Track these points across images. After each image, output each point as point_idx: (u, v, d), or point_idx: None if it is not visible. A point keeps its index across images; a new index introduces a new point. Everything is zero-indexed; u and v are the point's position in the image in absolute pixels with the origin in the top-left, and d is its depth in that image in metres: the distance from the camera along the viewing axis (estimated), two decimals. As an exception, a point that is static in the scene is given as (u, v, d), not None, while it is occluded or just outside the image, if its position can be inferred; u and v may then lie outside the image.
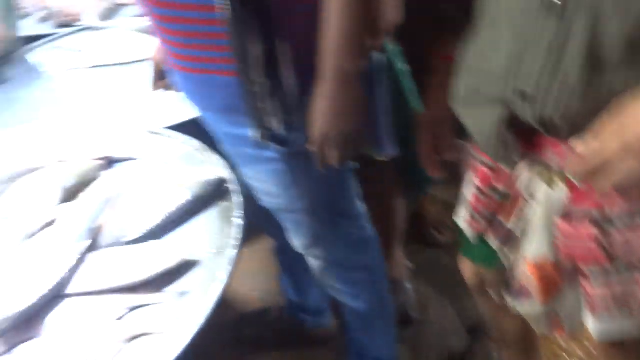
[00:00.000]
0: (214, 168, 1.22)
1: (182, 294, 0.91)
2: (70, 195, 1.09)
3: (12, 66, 1.92)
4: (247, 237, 1.04)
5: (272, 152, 0.89)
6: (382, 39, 0.87)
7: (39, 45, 2.04)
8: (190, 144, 1.32)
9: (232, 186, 1.14)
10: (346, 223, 1.08)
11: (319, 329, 1.49)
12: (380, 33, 0.84)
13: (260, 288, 1.74)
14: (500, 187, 0.91)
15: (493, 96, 0.78)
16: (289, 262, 1.36)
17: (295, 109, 0.80)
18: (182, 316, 0.87)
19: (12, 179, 1.08)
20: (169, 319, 0.87)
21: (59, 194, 1.05)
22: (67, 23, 2.14)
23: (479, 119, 0.82)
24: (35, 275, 0.84)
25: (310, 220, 1.03)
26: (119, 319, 0.87)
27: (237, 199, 1.11)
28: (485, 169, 0.92)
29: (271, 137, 0.83)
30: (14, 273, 0.84)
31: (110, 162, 1.25)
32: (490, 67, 0.77)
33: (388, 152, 1.02)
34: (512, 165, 0.84)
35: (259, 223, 1.25)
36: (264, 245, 1.72)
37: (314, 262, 1.13)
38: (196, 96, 0.92)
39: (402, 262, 1.57)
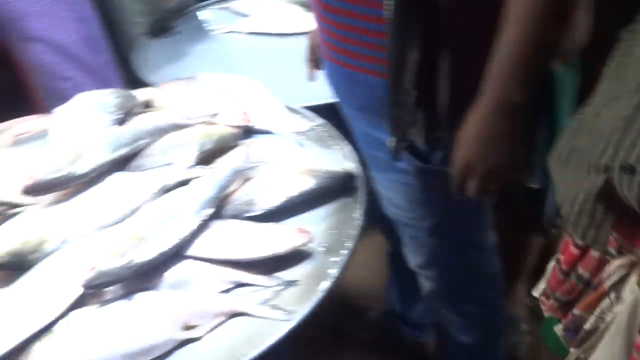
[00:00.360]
0: (344, 160, 1.20)
1: (290, 283, 0.91)
2: (206, 158, 1.13)
3: (184, 21, 2.08)
4: (363, 229, 1.01)
5: (406, 163, 0.84)
6: (558, 64, 0.76)
7: (210, 4, 2.17)
8: (326, 130, 1.31)
9: (359, 184, 1.11)
10: (472, 253, 0.99)
11: (416, 343, 1.43)
12: (559, 59, 0.73)
13: (365, 283, 1.71)
14: (584, 272, 0.76)
15: (594, 161, 0.63)
16: (400, 270, 1.30)
17: (442, 126, 0.73)
18: (285, 305, 0.87)
19: (160, 132, 1.15)
20: (271, 305, 0.87)
21: (196, 155, 1.09)
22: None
23: (573, 185, 0.68)
24: (162, 231, 0.89)
25: (433, 242, 0.97)
26: (224, 291, 0.89)
27: (360, 198, 1.08)
28: (573, 248, 0.77)
29: (409, 149, 0.78)
30: (144, 225, 0.90)
31: (248, 132, 1.29)
32: (601, 126, 0.63)
33: (538, 182, 0.91)
34: (601, 250, 0.69)
35: (378, 224, 1.21)
36: (378, 241, 1.68)
37: (425, 283, 1.07)
38: (341, 90, 0.90)
39: (523, 300, 1.44)
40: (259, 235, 0.94)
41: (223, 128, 1.20)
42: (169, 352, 0.81)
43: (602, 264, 0.73)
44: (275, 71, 1.69)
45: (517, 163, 0.75)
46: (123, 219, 0.97)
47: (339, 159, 1.21)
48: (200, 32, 2.00)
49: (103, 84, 1.81)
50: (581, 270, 0.77)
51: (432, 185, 0.85)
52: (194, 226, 0.92)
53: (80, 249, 0.89)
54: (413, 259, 1.05)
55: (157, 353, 0.80)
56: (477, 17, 0.70)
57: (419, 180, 0.87)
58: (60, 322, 0.80)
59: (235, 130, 1.21)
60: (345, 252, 0.98)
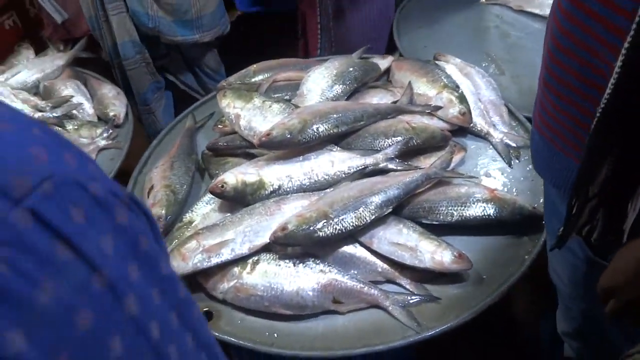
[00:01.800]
0: (542, 194, 1.17)
1: (433, 298, 1.00)
2: (411, 152, 1.23)
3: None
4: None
5: (579, 247, 0.81)
6: None
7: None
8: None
9: (541, 226, 1.09)
10: (623, 344, 0.92)
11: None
12: None
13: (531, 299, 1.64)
14: None
15: None
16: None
17: (618, 235, 0.69)
18: (421, 317, 0.97)
19: (379, 115, 1.27)
20: (409, 311, 0.98)
21: (400, 148, 1.19)
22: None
23: None
24: (346, 215, 1.04)
25: (584, 322, 0.93)
26: (375, 282, 1.03)
27: (538, 242, 1.06)
28: None
29: (584, 239, 0.75)
30: (334, 205, 1.06)
31: (463, 130, 1.32)
32: None
33: None
34: None
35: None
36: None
37: (568, 349, 1.04)
38: (538, 158, 0.88)
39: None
40: (424, 247, 1.03)
41: (436, 127, 1.26)
42: (315, 315, 1.00)
43: None
44: (522, 61, 1.62)
45: None
46: (323, 188, 1.15)
47: (540, 192, 1.17)
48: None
49: (374, 40, 1.92)
50: None
51: (597, 275, 0.81)
52: (371, 218, 1.05)
53: (285, 203, 1.11)
54: (561, 324, 1.02)
55: (308, 311, 1.00)
56: None
57: (586, 266, 0.83)
58: (252, 257, 1.05)
59: (447, 132, 1.26)
60: (500, 290, 1.01)
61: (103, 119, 1.54)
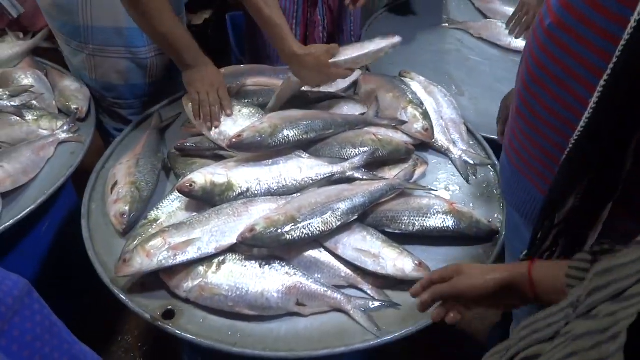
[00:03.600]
0: (498, 211, 1.23)
1: (393, 304, 1.03)
2: (376, 163, 1.27)
3: (426, 3, 2.14)
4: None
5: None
6: None
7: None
8: (495, 172, 1.33)
9: (498, 241, 1.15)
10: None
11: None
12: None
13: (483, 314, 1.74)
14: None
15: None
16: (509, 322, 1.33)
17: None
18: (381, 322, 1.01)
19: (347, 126, 1.31)
20: (369, 316, 1.01)
21: (366, 159, 1.23)
22: None
23: None
24: (312, 220, 1.06)
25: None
26: (338, 286, 1.06)
27: (493, 255, 1.13)
28: None
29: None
30: (301, 210, 1.08)
31: (425, 145, 1.38)
32: None
33: None
34: None
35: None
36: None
37: None
38: (505, 181, 0.93)
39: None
40: (386, 254, 1.07)
41: (400, 140, 1.31)
42: (278, 316, 1.02)
43: None
44: (480, 84, 1.71)
45: None
46: (290, 193, 1.17)
47: (494, 208, 1.25)
48: (434, 18, 2.05)
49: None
50: None
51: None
52: (337, 224, 1.08)
53: (253, 205, 1.12)
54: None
55: (271, 313, 1.01)
56: None
57: None
58: (218, 257, 1.05)
59: (411, 145, 1.31)
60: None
61: (64, 112, 1.50)
